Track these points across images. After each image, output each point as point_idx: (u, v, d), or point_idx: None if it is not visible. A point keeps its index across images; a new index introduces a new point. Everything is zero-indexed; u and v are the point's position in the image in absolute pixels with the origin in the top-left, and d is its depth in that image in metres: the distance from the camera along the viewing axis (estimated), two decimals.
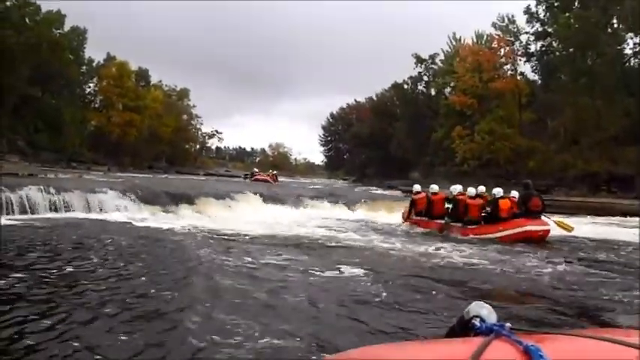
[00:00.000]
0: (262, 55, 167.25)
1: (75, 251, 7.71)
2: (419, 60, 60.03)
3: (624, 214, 20.87)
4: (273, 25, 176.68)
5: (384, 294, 5.59)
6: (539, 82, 46.75)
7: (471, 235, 12.04)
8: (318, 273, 6.62)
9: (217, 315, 4.40)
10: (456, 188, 13.62)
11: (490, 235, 11.78)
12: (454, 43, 56.01)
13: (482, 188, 13.41)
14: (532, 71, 46.88)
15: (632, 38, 36.66)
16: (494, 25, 47.73)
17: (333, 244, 10.16)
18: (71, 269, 6.31)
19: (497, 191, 12.54)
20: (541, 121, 42.63)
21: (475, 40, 52.32)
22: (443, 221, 13.10)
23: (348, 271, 6.85)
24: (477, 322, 1.06)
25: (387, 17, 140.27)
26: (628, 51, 37.29)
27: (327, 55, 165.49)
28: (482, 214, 12.41)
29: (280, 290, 5.52)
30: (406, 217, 14.49)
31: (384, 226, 14.31)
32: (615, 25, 37.36)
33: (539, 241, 11.51)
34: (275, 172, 39.57)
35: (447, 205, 13.24)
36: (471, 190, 13.02)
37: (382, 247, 9.94)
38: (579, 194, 28.36)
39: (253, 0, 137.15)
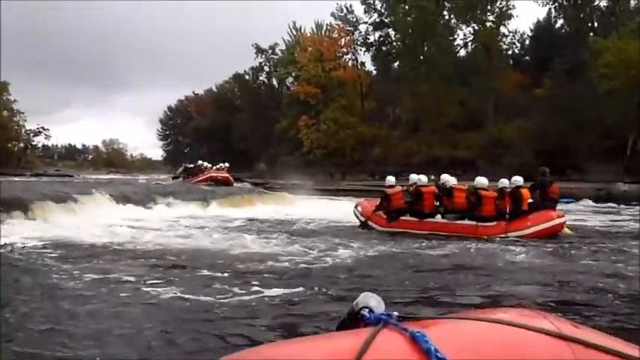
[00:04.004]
0: (95, 47, 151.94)
1: None
2: (259, 50, 58.33)
3: None
4: (105, 15, 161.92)
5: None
6: (377, 71, 47.73)
7: (491, 235, 9.84)
8: (169, 285, 5.69)
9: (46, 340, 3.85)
10: (418, 178, 11.09)
11: (518, 233, 9.78)
12: (294, 32, 55.08)
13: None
14: (371, 61, 47.65)
15: (461, 29, 38.59)
16: (333, 14, 47.56)
17: (202, 248, 8.82)
18: None
19: (516, 179, 10.48)
20: (382, 109, 43.39)
21: (315, 30, 51.87)
22: (443, 220, 10.54)
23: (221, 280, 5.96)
24: (365, 312, 1.05)
25: (226, 6, 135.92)
26: (459, 41, 39.22)
27: (165, 48, 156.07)
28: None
29: (130, 308, 4.77)
30: (370, 216, 11.30)
31: (253, 222, 13.32)
32: (447, 17, 39.00)
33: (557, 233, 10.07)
34: (227, 164, 27.18)
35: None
36: (482, 181, 10.65)
37: (257, 250, 8.55)
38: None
39: None
